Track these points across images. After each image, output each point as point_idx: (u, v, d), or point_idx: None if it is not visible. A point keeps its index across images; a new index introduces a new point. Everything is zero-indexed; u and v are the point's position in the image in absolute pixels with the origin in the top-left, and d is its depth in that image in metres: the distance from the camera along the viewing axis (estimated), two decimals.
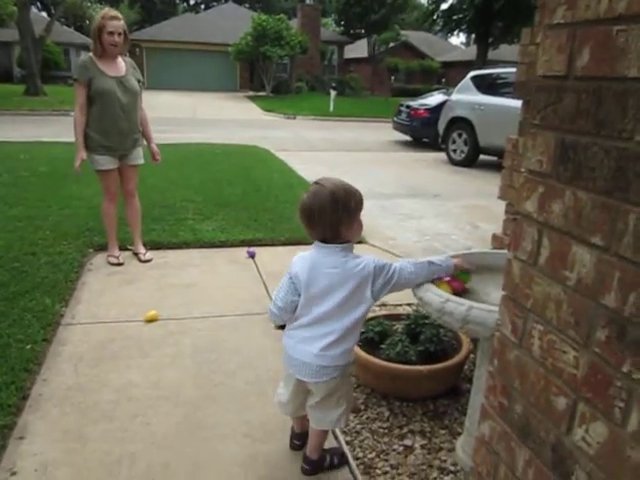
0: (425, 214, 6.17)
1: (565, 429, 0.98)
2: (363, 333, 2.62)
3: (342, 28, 36.29)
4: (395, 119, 13.69)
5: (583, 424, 0.94)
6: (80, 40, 33.87)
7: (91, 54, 3.75)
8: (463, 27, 27.22)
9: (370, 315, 2.97)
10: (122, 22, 3.67)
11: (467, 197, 7.25)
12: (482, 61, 24.46)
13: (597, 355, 0.91)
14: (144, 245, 4.29)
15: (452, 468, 2.10)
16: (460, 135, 10.13)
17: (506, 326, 1.15)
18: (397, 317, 2.87)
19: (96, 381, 2.58)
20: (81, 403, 2.41)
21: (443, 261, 1.91)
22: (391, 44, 32.58)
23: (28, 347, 2.74)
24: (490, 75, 10.21)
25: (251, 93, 29.00)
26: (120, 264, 4.05)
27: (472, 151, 9.93)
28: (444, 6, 25.81)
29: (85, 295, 3.52)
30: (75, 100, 3.73)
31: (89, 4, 42.24)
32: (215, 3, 55.37)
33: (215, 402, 2.47)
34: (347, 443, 2.22)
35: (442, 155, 10.77)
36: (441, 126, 10.70)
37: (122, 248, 4.25)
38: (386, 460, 2.13)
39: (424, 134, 12.69)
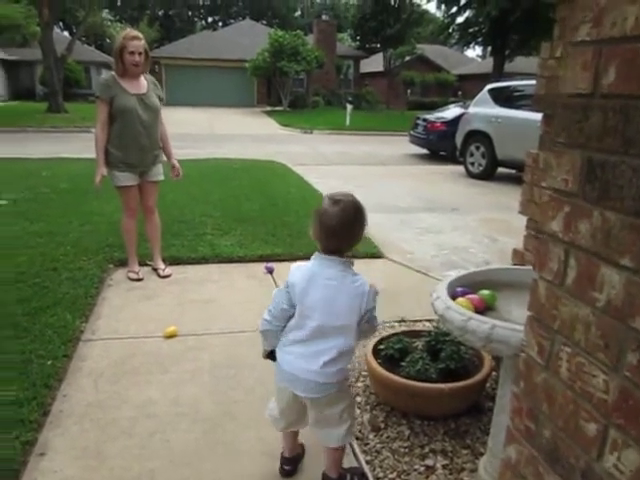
0: (443, 228, 6.13)
1: (596, 455, 0.95)
2: (383, 350, 2.60)
3: (358, 43, 36.48)
4: (412, 132, 13.69)
5: (615, 451, 0.91)
6: (100, 58, 34.57)
7: (113, 73, 3.81)
8: (479, 40, 27.21)
9: (390, 332, 2.96)
10: (143, 42, 3.74)
11: (485, 210, 7.19)
12: (498, 73, 24.40)
13: (628, 380, 0.88)
14: (163, 260, 4.32)
15: None
16: (478, 148, 10.08)
17: (532, 347, 1.13)
18: (417, 334, 2.83)
19: (116, 397, 2.59)
20: (100, 420, 2.42)
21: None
22: (407, 58, 32.65)
23: (49, 363, 2.77)
24: (507, 88, 10.17)
25: (268, 108, 29.23)
26: (140, 279, 4.08)
27: (490, 164, 9.88)
28: (460, 19, 25.86)
29: (105, 310, 3.55)
30: (97, 117, 3.79)
31: (109, 23, 43.12)
32: (232, 20, 56.20)
33: (234, 419, 2.46)
34: (367, 463, 2.19)
35: (459, 168, 10.72)
36: (458, 139, 10.67)
37: (141, 264, 4.28)
38: None
39: (441, 147, 12.67)
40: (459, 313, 1.72)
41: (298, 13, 65.94)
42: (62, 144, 13.24)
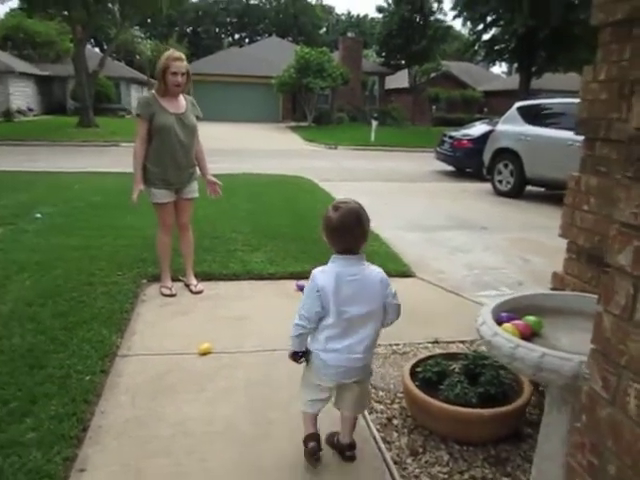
0: (473, 247, 6.07)
1: None
2: (420, 372, 2.58)
3: (383, 59, 36.66)
4: (438, 149, 13.66)
5: None
6: (130, 74, 35.37)
7: (154, 91, 3.89)
8: (505, 57, 27.12)
9: (424, 353, 2.93)
10: (185, 63, 3.82)
11: (515, 230, 7.11)
12: (525, 90, 24.24)
13: None
14: (196, 276, 4.36)
15: None
16: (506, 166, 10.01)
17: (596, 381, 1.11)
18: (454, 356, 2.80)
19: (153, 414, 2.61)
20: (139, 437, 2.44)
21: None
22: (432, 74, 32.72)
23: (87, 378, 2.80)
24: (537, 106, 10.11)
25: (293, 124, 29.49)
26: (172, 295, 4.12)
27: (518, 182, 9.79)
28: (486, 36, 25.82)
29: (139, 326, 3.59)
30: (137, 134, 3.86)
31: (139, 40, 44.15)
32: (259, 37, 57.06)
33: (269, 439, 2.46)
34: None
35: (486, 185, 10.64)
36: (486, 156, 10.61)
37: (174, 279, 4.33)
38: None
39: (467, 164, 12.61)
40: (507, 340, 1.70)
41: (324, 30, 66.71)
42: (92, 158, 13.54)
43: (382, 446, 2.39)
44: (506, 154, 10.00)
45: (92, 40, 44.53)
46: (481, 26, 25.20)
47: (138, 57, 43.62)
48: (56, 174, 9.96)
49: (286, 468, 2.28)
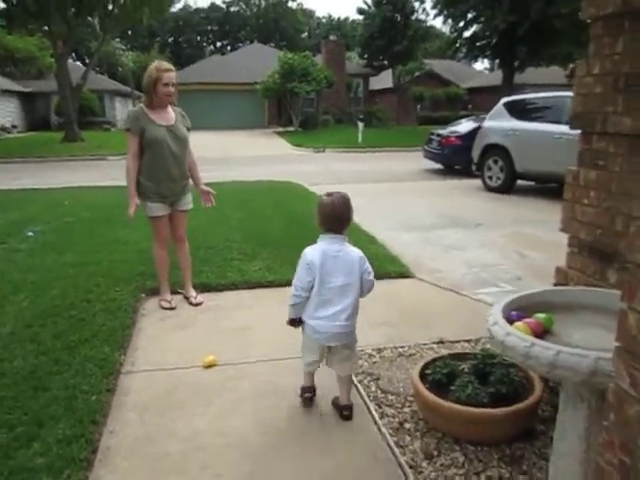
0: (469, 244, 6.08)
1: None
2: (430, 375, 2.57)
3: (366, 60, 36.77)
4: (426, 147, 13.72)
5: None
6: (113, 86, 35.18)
7: (142, 105, 3.86)
8: (487, 53, 27.28)
9: (430, 354, 2.92)
10: (174, 73, 3.80)
11: (509, 225, 7.14)
12: (508, 85, 24.38)
13: None
14: (194, 288, 4.33)
15: None
16: (496, 162, 10.05)
17: (623, 379, 1.10)
18: (462, 356, 2.79)
19: (163, 431, 2.58)
20: (150, 454, 2.41)
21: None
22: (416, 73, 32.87)
23: (93, 398, 2.76)
24: (523, 100, 10.17)
25: (280, 129, 29.48)
26: (172, 308, 4.08)
27: (509, 177, 9.83)
28: (467, 34, 25.95)
29: (142, 341, 3.55)
30: (128, 149, 3.83)
31: (121, 52, 43.95)
32: (241, 44, 57.06)
33: (280, 449, 2.44)
34: None
35: (476, 182, 10.68)
36: (475, 153, 10.65)
37: (172, 292, 4.29)
38: None
39: (456, 161, 12.67)
40: (521, 339, 1.70)
41: (305, 34, 66.83)
42: (80, 172, 13.45)
43: (396, 450, 2.37)
44: (495, 150, 10.05)
45: (73, 54, 44.28)
46: (462, 23, 25.32)
47: (121, 69, 43.47)
48: (45, 191, 9.88)
49: (301, 477, 2.26)
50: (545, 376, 1.67)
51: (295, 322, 2.65)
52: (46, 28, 21.33)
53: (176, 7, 54.21)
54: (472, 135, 11.64)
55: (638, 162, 2.26)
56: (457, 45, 26.93)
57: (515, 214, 7.91)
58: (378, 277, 4.69)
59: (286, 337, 3.55)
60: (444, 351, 3.36)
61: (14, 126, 29.02)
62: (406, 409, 2.71)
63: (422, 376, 2.60)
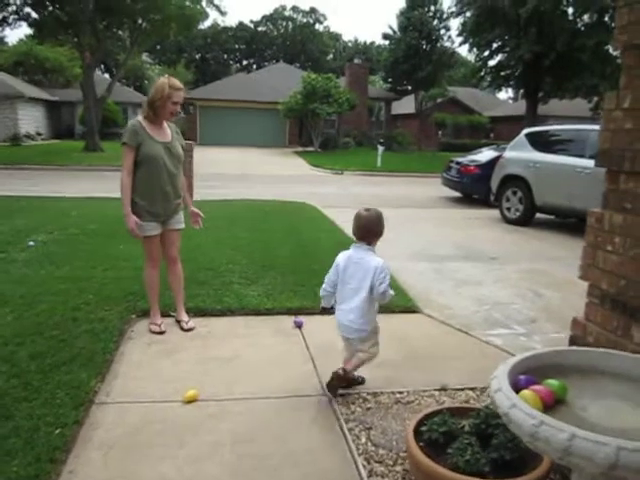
0: (482, 279, 5.79)
1: None
2: (426, 432, 2.29)
3: (389, 85, 36.82)
4: (444, 175, 13.49)
5: None
6: (138, 99, 35.61)
7: (140, 118, 3.69)
8: (512, 83, 27.10)
9: (433, 407, 2.64)
10: (183, 92, 3.69)
11: (526, 260, 6.83)
12: (532, 116, 24.14)
13: None
14: (187, 312, 4.11)
15: None
16: (515, 193, 9.75)
17: None
18: (464, 412, 2.51)
19: (127, 475, 2.33)
20: None
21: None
22: (438, 100, 32.78)
23: (57, 432, 2.53)
24: (545, 132, 9.90)
25: (299, 149, 29.48)
26: (162, 333, 3.86)
27: (528, 210, 9.52)
28: (492, 62, 25.84)
29: (123, 368, 3.33)
30: (123, 163, 3.65)
31: (148, 66, 44.69)
32: (266, 63, 57.72)
33: None
34: None
35: (494, 212, 10.38)
36: (494, 183, 10.37)
37: (164, 314, 4.08)
38: None
39: (474, 191, 12.40)
40: (528, 415, 1.43)
41: (330, 56, 67.50)
42: (96, 182, 13.43)
43: None
44: (514, 181, 9.76)
45: (101, 66, 45.12)
46: (487, 52, 25.25)
47: (147, 82, 44.14)
48: (55, 199, 9.81)
49: None
50: (557, 462, 1.40)
51: (325, 310, 3.17)
52: (75, 39, 21.70)
53: (204, 24, 54.95)
54: (492, 164, 11.37)
55: None
56: (482, 74, 26.81)
57: (532, 249, 7.60)
58: (382, 311, 4.49)
59: (275, 372, 3.34)
60: (446, 399, 3.10)
61: (39, 133, 29.45)
62: (398, 467, 2.43)
63: (417, 432, 2.33)
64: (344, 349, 3.13)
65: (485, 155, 13.06)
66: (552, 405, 1.58)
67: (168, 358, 3.51)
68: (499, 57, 25.26)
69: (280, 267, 5.49)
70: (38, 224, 7.34)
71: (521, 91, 32.09)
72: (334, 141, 28.56)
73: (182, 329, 3.96)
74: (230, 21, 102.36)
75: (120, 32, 25.86)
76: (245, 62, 67.65)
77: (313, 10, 67.94)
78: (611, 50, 22.39)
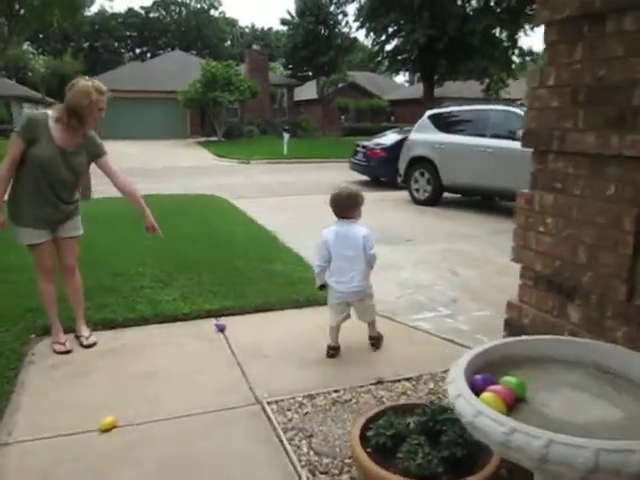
0: (402, 262, 5.78)
1: None
2: (373, 437, 2.16)
3: (290, 71, 36.62)
4: (352, 159, 13.57)
5: None
6: (22, 92, 32.92)
7: (51, 114, 3.20)
8: (409, 66, 27.82)
9: (374, 411, 2.47)
10: None
11: (440, 240, 6.96)
12: (429, 98, 24.95)
13: None
14: (87, 326, 3.68)
15: None
16: (422, 174, 9.95)
17: None
18: (408, 409, 2.40)
19: None
20: None
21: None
22: (339, 85, 33.07)
23: None
24: (448, 113, 10.17)
25: (202, 139, 28.60)
26: (68, 352, 3.44)
27: (436, 190, 9.75)
28: (389, 47, 26.34)
29: (25, 399, 2.91)
30: (7, 153, 3.13)
31: (31, 56, 41.27)
32: (161, 51, 55.39)
33: None
34: None
35: (403, 194, 10.55)
36: (402, 165, 10.52)
37: (68, 330, 3.66)
38: None
39: (382, 174, 12.57)
40: (497, 422, 1.32)
41: (228, 43, 66.05)
42: None
43: None
44: (421, 162, 9.95)
45: None
46: (384, 37, 25.69)
47: (31, 74, 40.77)
48: None
49: None
50: (530, 470, 1.30)
51: (323, 287, 3.46)
52: None
53: (91, 11, 51.69)
54: (397, 147, 11.61)
55: (602, 185, 1.98)
56: (379, 58, 27.27)
57: (444, 228, 7.77)
58: (307, 305, 4.36)
59: (201, 383, 3.08)
60: (383, 393, 3.00)
61: None
62: (344, 476, 2.29)
63: (362, 437, 2.19)
64: (333, 320, 3.42)
65: (390, 138, 13.25)
66: (513, 404, 1.48)
67: (78, 381, 3.13)
68: (395, 41, 25.79)
69: (195, 266, 5.17)
70: None
71: (417, 75, 33.10)
72: (238, 130, 27.99)
73: (82, 345, 3.55)
74: (118, 7, 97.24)
75: None
76: (138, 50, 64.56)
77: None
78: (497, 34, 23.66)
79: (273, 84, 33.28)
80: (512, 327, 2.46)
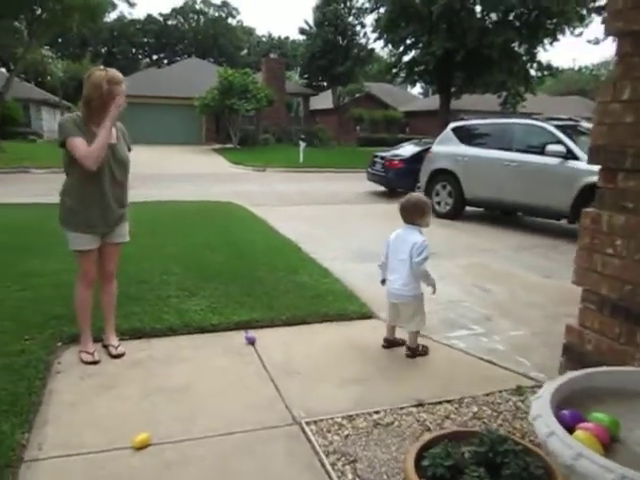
0: None
1: None
2: (430, 467, 2.03)
3: (306, 80, 36.71)
4: (369, 170, 13.58)
5: None
6: (41, 96, 33.23)
7: (79, 114, 3.15)
8: (425, 78, 27.80)
9: (427, 438, 2.34)
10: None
11: (463, 254, 6.83)
12: (446, 111, 24.89)
13: None
14: (117, 335, 3.60)
15: None
16: (444, 187, 9.84)
17: None
18: (462, 436, 2.27)
19: None
20: None
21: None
22: (355, 95, 33.10)
23: None
24: (471, 126, 10.05)
25: (217, 146, 28.67)
26: (96, 362, 3.35)
27: (458, 203, 9.62)
28: (405, 58, 26.32)
29: (53, 411, 2.81)
30: (75, 157, 3.03)
31: (50, 60, 41.62)
32: (178, 58, 55.81)
33: None
34: None
35: None
36: (423, 178, 10.41)
37: (96, 340, 3.57)
38: None
39: (400, 184, 12.52)
40: (566, 445, 1.19)
41: (245, 51, 66.48)
42: None
43: None
44: (444, 175, 9.84)
45: None
46: (401, 48, 25.71)
47: (49, 78, 41.13)
48: None
49: None
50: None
51: (384, 282, 3.71)
52: None
53: (110, 17, 52.27)
54: (415, 159, 11.65)
55: None
56: (396, 69, 27.27)
57: (467, 242, 7.64)
58: (337, 319, 4.24)
59: (234, 400, 2.97)
60: (425, 416, 2.87)
61: None
62: None
63: (418, 467, 2.07)
64: (388, 317, 3.74)
65: (407, 150, 13.29)
66: (608, 444, 1.36)
67: (107, 394, 3.03)
68: (413, 53, 25.80)
69: (220, 275, 5.07)
70: None
71: (432, 87, 33.03)
72: (253, 137, 28.04)
73: (110, 355, 3.46)
74: (138, 14, 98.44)
75: (17, 23, 23.85)
76: (155, 57, 65.11)
77: (225, 4, 66.60)
78: (516, 48, 23.57)
79: (289, 93, 33.36)
80: (572, 353, 2.33)
